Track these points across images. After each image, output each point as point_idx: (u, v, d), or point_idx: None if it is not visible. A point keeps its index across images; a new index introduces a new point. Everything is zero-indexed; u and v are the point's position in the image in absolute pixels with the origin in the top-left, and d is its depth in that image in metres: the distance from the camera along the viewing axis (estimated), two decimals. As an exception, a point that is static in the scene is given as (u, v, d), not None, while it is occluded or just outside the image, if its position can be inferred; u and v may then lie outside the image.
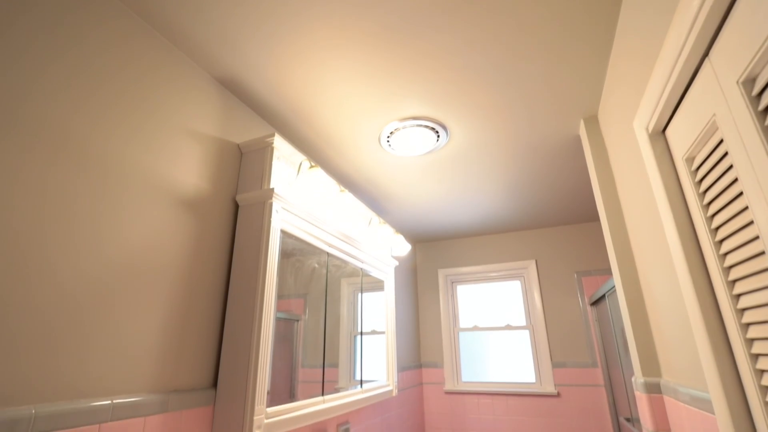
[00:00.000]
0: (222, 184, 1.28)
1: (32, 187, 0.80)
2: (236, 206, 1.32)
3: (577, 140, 1.76)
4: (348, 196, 1.68)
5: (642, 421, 1.29)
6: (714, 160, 0.78)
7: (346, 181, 2.13)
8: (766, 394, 0.72)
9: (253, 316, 1.14)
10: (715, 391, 0.81)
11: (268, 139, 1.32)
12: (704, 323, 0.83)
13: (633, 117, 1.14)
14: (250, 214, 1.26)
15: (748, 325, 0.75)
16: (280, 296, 1.31)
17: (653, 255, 1.15)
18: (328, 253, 1.61)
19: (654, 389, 1.22)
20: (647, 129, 0.99)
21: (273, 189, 1.24)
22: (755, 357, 0.74)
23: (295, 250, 1.39)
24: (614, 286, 1.85)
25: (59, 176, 0.85)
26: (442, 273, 3.31)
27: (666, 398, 1.18)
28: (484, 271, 3.18)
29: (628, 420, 2.06)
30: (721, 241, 0.81)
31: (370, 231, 2.08)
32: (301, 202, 1.44)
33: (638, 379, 1.28)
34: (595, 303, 2.62)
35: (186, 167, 1.16)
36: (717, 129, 0.75)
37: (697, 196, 0.86)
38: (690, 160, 0.88)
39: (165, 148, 1.10)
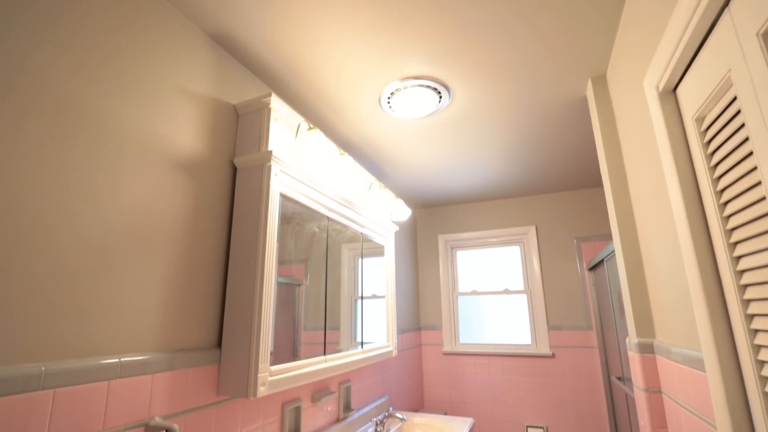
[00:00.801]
0: (219, 146, 1.26)
1: (31, 151, 0.79)
2: (234, 169, 1.30)
3: (583, 102, 1.71)
4: (348, 159, 1.65)
5: (633, 379, 1.33)
6: (725, 119, 0.75)
7: (345, 144, 2.09)
8: (758, 352, 0.73)
9: (254, 277, 1.15)
10: (707, 349, 0.82)
11: (264, 100, 1.28)
12: (702, 283, 0.83)
13: (644, 75, 1.09)
14: (249, 178, 1.24)
15: (746, 286, 0.76)
16: (282, 262, 1.32)
17: (655, 218, 1.15)
18: (328, 217, 1.60)
19: (647, 349, 1.25)
20: (657, 88, 0.95)
21: (271, 151, 1.21)
22: (750, 317, 0.75)
23: (295, 214, 1.39)
24: (613, 251, 1.86)
25: (57, 139, 0.84)
26: (442, 239, 3.33)
27: (658, 358, 1.22)
28: (484, 236, 3.20)
29: (619, 379, 2.13)
30: (726, 203, 0.80)
31: (371, 196, 2.07)
32: (301, 166, 1.42)
33: (632, 339, 1.32)
34: (593, 268, 2.65)
35: (182, 129, 1.13)
36: (731, 85, 0.72)
37: (704, 158, 0.84)
38: (700, 119, 0.85)
39: (160, 110, 1.07)
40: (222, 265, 1.22)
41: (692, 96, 0.86)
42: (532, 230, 3.05)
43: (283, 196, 1.30)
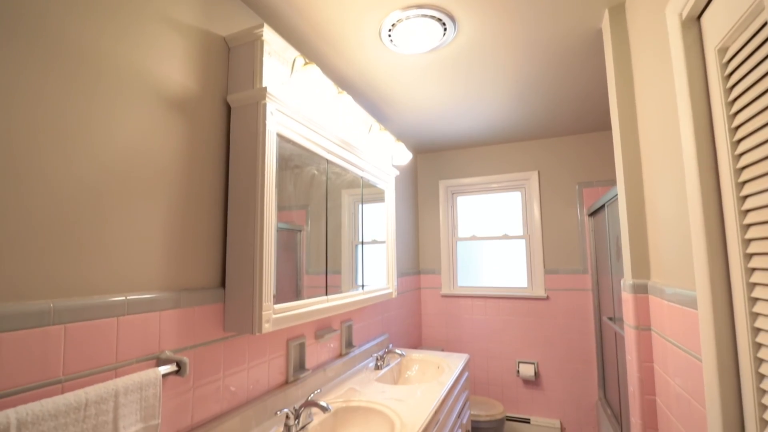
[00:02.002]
0: (211, 82, 1.19)
1: (27, 92, 0.77)
2: (228, 108, 1.25)
3: (597, 36, 1.60)
4: (347, 98, 1.58)
5: (625, 318, 1.38)
6: (751, 49, 0.70)
7: (344, 83, 2.00)
8: (752, 290, 0.75)
9: (254, 217, 1.14)
10: (702, 286, 0.84)
11: (256, 31, 1.20)
12: (704, 220, 0.82)
13: (666, 2, 1.01)
14: (244, 117, 1.19)
15: (749, 226, 0.75)
16: (282, 208, 1.31)
17: (662, 158, 1.12)
18: (327, 160, 1.57)
19: (641, 290, 1.28)
20: (681, 15, 0.88)
21: (266, 88, 1.15)
22: (749, 256, 0.75)
23: (293, 156, 1.35)
24: (615, 196, 1.85)
25: (53, 79, 0.81)
26: (442, 184, 3.30)
27: (651, 297, 1.25)
28: (486, 182, 3.17)
29: (610, 319, 2.22)
30: (739, 140, 0.77)
31: (371, 138, 2.02)
32: (297, 105, 1.36)
33: (627, 281, 1.34)
34: (593, 214, 2.66)
35: (170, 63, 1.07)
36: (762, 10, 0.66)
37: (722, 92, 0.80)
38: (723, 50, 0.79)
39: (146, 42, 1.00)
40: (221, 207, 1.21)
41: (717, 24, 0.79)
42: (535, 176, 3.01)
43: (280, 137, 1.26)
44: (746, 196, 0.75)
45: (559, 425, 2.79)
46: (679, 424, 1.05)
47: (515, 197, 3.13)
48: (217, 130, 1.20)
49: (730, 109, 0.78)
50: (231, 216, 1.19)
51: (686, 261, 0.98)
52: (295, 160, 1.37)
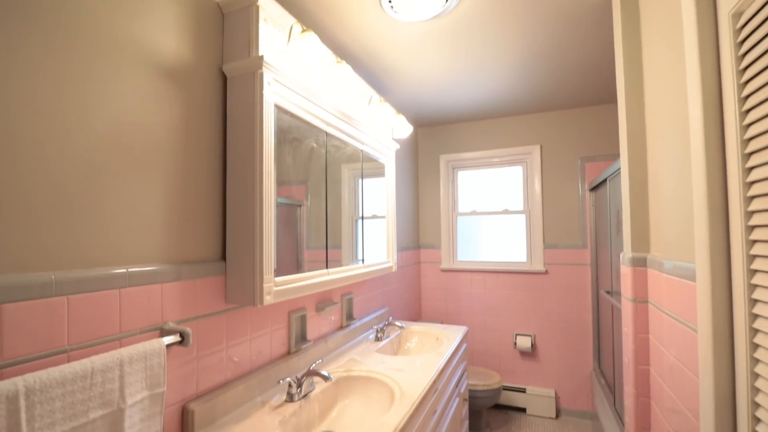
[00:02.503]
0: (205, 51, 1.16)
1: (27, 67, 0.76)
2: (224, 78, 1.21)
3: (605, 5, 1.54)
4: (346, 68, 1.54)
5: (623, 291, 1.40)
6: (766, 13, 0.67)
7: (343, 53, 1.94)
8: (752, 262, 0.75)
9: (253, 189, 1.13)
10: (701, 257, 0.84)
11: (251, -3, 1.15)
12: (708, 191, 0.82)
13: (679, -35, 0.96)
14: (240, 87, 1.17)
15: (753, 197, 0.74)
16: (282, 182, 1.29)
17: (668, 129, 1.10)
18: (326, 132, 1.54)
19: (640, 263, 1.29)
20: (694, -23, 0.84)
21: (262, 57, 1.12)
22: (751, 228, 0.75)
23: (291, 128, 1.33)
24: (617, 170, 1.83)
25: (51, 54, 0.79)
26: (443, 158, 3.27)
27: (649, 271, 1.26)
28: (487, 156, 3.14)
29: (608, 292, 2.25)
30: (748, 110, 0.75)
31: (371, 110, 1.98)
32: (295, 75, 1.32)
33: (626, 254, 1.35)
34: (594, 188, 2.65)
35: (164, 31, 1.03)
36: (782, -31, 0.63)
37: (733, 60, 0.77)
38: (737, 15, 0.76)
39: (138, 8, 0.96)
40: (220, 179, 1.20)
41: (733, -14, 0.76)
42: (537, 150, 2.98)
43: (278, 108, 1.24)
44: (752, 168, 0.74)
45: (554, 394, 2.87)
46: (671, 393, 1.08)
47: (516, 172, 3.11)
48: (214, 101, 1.18)
49: (741, 78, 0.76)
50: (230, 189, 1.18)
51: (687, 234, 0.98)
52: (294, 133, 1.35)
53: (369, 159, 1.97)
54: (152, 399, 0.90)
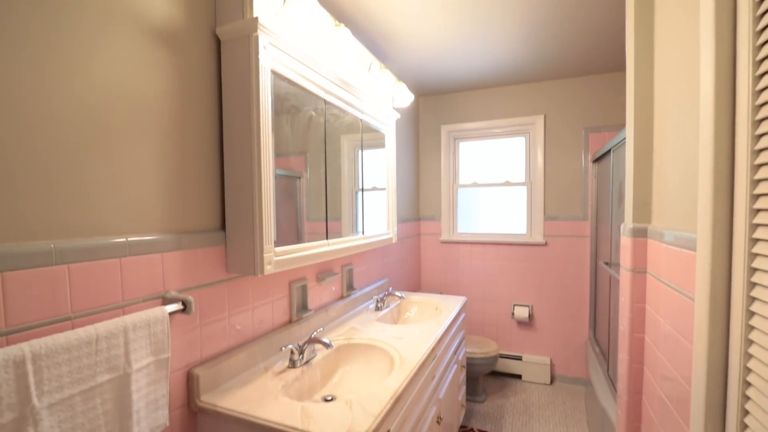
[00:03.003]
0: (197, 12, 1.11)
1: (14, 32, 0.72)
2: (218, 42, 1.17)
3: (618, -37, 1.46)
4: (344, 32, 1.48)
5: (621, 261, 1.40)
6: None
7: (341, 16, 1.86)
8: (754, 231, 0.74)
9: (251, 156, 1.12)
10: (703, 226, 0.83)
11: (244, -46, 1.09)
12: (714, 156, 0.80)
13: None
14: (235, 51, 1.12)
15: (759, 166, 0.73)
16: (280, 154, 1.27)
17: (677, 97, 1.07)
18: (325, 100, 1.51)
19: (640, 234, 1.29)
20: (715, -70, 0.79)
21: (257, 18, 1.07)
22: (755, 197, 0.74)
23: (289, 95, 1.30)
24: (622, 140, 1.80)
25: (38, 18, 0.76)
26: (445, 129, 3.21)
27: (649, 241, 1.25)
28: (490, 126, 3.08)
29: (606, 263, 2.26)
30: (761, 75, 0.72)
31: (370, 77, 1.93)
32: (292, 39, 1.27)
33: (627, 225, 1.34)
34: (597, 160, 2.61)
35: (151, -10, 0.98)
36: None
37: (750, 21, 0.73)
38: (757, -28, 0.72)
39: (120, -38, 0.91)
40: (216, 148, 1.18)
41: (756, -61, 0.71)
42: (540, 120, 2.92)
43: (275, 74, 1.20)
44: (761, 135, 0.72)
45: (549, 361, 2.96)
46: (665, 359, 1.11)
47: (519, 143, 3.07)
48: (208, 66, 1.14)
49: (757, 40, 0.73)
50: (227, 157, 1.16)
51: (690, 205, 0.97)
52: (291, 100, 1.31)
53: (369, 129, 1.93)
54: (157, 364, 0.93)
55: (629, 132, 1.33)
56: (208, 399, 1.08)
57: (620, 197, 1.88)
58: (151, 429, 0.92)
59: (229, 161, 1.16)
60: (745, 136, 0.75)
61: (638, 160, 1.29)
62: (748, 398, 0.74)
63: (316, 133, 1.48)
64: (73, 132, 0.83)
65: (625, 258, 1.36)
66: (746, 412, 0.74)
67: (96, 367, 0.80)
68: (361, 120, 1.83)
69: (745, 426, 0.74)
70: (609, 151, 2.18)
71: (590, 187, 2.79)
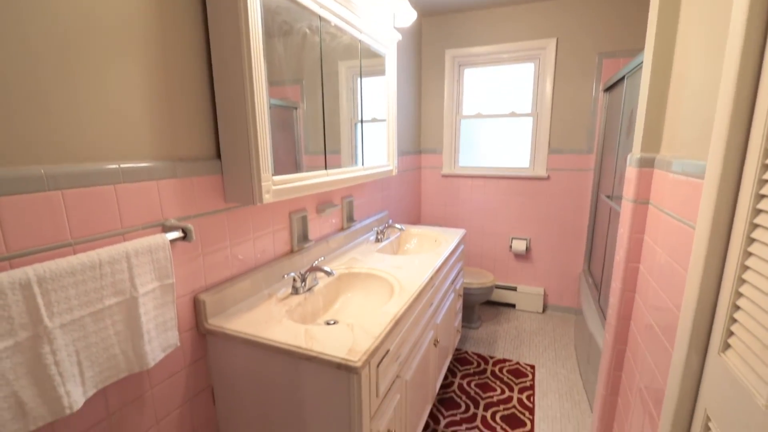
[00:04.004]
0: None
1: None
2: (198, -54, 1.04)
3: None
4: (340, -63, 1.31)
5: (624, 192, 1.39)
6: None
7: None
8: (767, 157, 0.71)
9: (242, 78, 1.05)
10: (715, 152, 0.80)
11: None
12: (737, 80, 0.75)
13: None
14: (217, -45, 1.00)
15: (788, 85, 0.68)
16: (275, 82, 1.19)
17: (703, 20, 0.97)
18: (320, 16, 1.38)
19: (647, 164, 1.25)
20: None
21: None
22: (777, 121, 0.70)
23: (280, 9, 1.18)
24: (638, 64, 1.69)
25: None
26: (449, 54, 3.02)
27: (656, 171, 1.23)
28: (497, 51, 2.89)
29: (608, 197, 2.25)
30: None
31: (369, -6, 1.75)
32: (281, -56, 1.13)
33: (634, 155, 1.31)
34: (609, 89, 2.49)
35: None
36: None
37: None
38: None
39: None
40: (206, 70, 1.10)
41: None
42: (552, 44, 2.73)
43: (263, -16, 1.08)
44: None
45: (542, 292, 3.08)
46: (657, 287, 1.14)
47: (528, 70, 2.90)
48: (188, -26, 1.02)
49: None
50: (218, 80, 1.09)
51: (703, 134, 0.93)
52: (283, 15, 1.20)
53: (368, 53, 1.81)
54: (163, 289, 0.95)
55: (647, 56, 1.23)
56: (215, 322, 1.13)
57: (629, 127, 1.81)
58: (163, 348, 0.97)
59: (219, 83, 1.09)
60: (777, 51, 0.69)
61: (654, 85, 1.21)
62: (734, 320, 0.76)
63: (312, 55, 1.38)
64: (44, 50, 0.76)
65: (629, 189, 1.34)
66: (731, 333, 0.77)
67: (102, 290, 0.82)
68: (360, 41, 1.70)
69: (728, 345, 0.78)
70: (623, 78, 2.06)
71: (599, 118, 2.69)
